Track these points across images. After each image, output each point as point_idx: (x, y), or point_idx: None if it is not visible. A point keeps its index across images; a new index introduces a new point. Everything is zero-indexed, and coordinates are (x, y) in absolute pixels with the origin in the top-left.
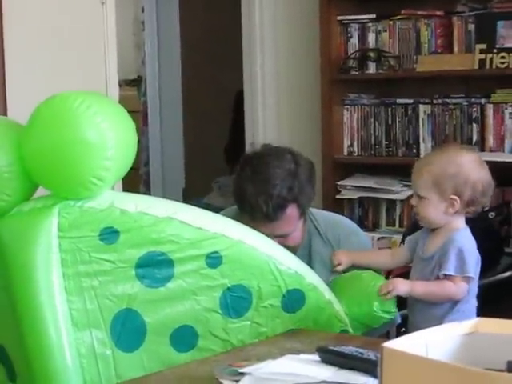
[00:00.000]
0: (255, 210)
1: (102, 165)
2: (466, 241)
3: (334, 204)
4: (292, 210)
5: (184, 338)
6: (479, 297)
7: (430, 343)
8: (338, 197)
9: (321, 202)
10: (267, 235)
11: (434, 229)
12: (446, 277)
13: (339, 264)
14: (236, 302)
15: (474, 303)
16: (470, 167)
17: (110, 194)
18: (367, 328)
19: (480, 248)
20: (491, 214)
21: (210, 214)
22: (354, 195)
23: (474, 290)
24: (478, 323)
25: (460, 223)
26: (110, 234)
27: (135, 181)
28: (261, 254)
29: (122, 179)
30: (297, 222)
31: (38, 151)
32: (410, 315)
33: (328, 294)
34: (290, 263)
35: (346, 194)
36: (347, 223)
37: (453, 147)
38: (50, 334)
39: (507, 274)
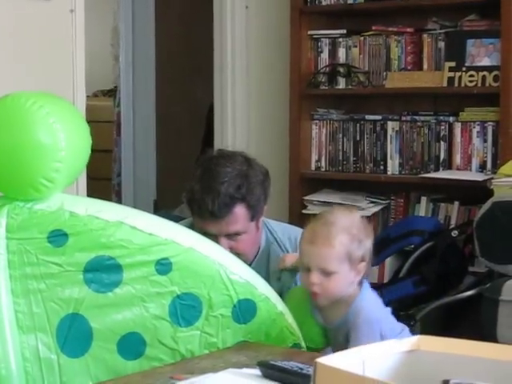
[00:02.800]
0: (202, 208)
1: (52, 166)
2: (372, 308)
3: (300, 219)
4: (240, 210)
5: (131, 345)
6: (442, 315)
7: (368, 360)
8: (304, 211)
9: (287, 217)
10: (216, 236)
11: None
12: None
13: (283, 262)
14: (185, 310)
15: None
16: (367, 229)
17: (60, 196)
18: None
19: (443, 266)
20: (454, 233)
21: (161, 221)
22: (321, 210)
23: None
24: (419, 341)
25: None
26: (58, 237)
27: (107, 191)
28: (212, 262)
29: (95, 189)
30: (247, 223)
31: None
32: None
33: (280, 306)
34: (242, 272)
35: (312, 209)
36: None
37: (341, 212)
38: None
39: (469, 292)
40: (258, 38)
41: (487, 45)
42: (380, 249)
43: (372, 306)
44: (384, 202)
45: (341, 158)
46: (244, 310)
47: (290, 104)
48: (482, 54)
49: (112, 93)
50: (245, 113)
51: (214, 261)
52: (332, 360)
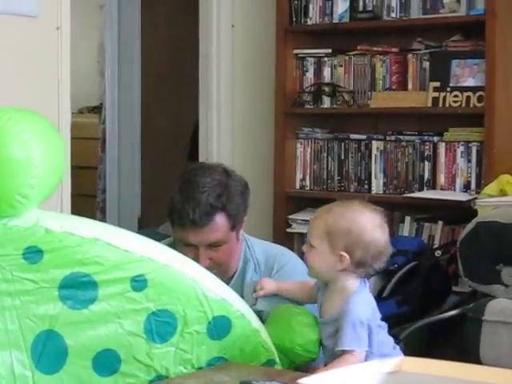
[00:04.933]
0: (183, 217)
1: (27, 183)
2: (360, 310)
3: (285, 237)
4: (220, 219)
5: (106, 361)
6: (426, 335)
7: (349, 381)
8: (288, 230)
9: (271, 235)
10: (197, 247)
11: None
12: (344, 352)
13: (261, 289)
14: (160, 326)
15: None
16: (366, 228)
17: (36, 212)
18: (291, 362)
19: (426, 286)
20: (438, 253)
21: (137, 237)
22: (305, 229)
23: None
24: (401, 362)
25: (354, 284)
26: (33, 254)
27: (92, 208)
28: (187, 279)
29: (79, 206)
30: (227, 232)
31: None
32: None
33: (255, 323)
34: (218, 290)
35: (296, 228)
36: (285, 254)
37: (357, 203)
38: None
39: (453, 312)
40: (244, 56)
41: (472, 65)
42: None
43: (359, 310)
44: None
45: (325, 176)
46: (219, 327)
47: (275, 123)
48: (467, 74)
49: (98, 109)
50: (229, 131)
51: (190, 278)
52: (314, 380)
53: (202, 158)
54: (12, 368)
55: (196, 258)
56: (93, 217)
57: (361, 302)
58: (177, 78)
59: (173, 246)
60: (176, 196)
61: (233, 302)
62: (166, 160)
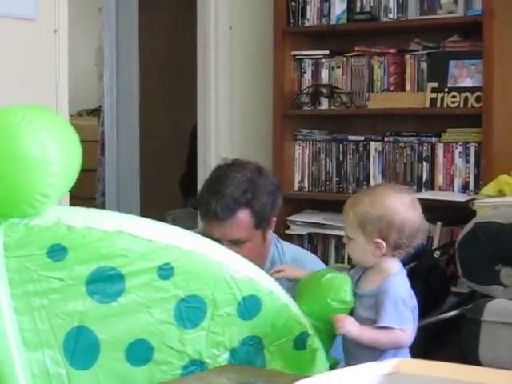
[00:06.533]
0: (206, 209)
1: (46, 181)
2: (400, 289)
3: (283, 239)
4: (244, 215)
5: (139, 351)
6: (425, 335)
7: (347, 382)
8: (287, 232)
9: None
10: (220, 241)
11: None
12: (385, 328)
13: (281, 270)
14: (190, 312)
15: (405, 352)
16: (396, 210)
17: (55, 209)
18: (328, 331)
19: (425, 287)
20: (436, 253)
21: (159, 225)
22: (304, 231)
23: None
24: (399, 363)
25: (393, 266)
26: (57, 252)
27: None
28: (214, 262)
29: None
30: (251, 230)
31: None
32: (345, 357)
33: (284, 297)
34: (244, 270)
35: (295, 230)
36: (314, 259)
37: (382, 188)
38: (0, 359)
39: (452, 313)
40: (242, 58)
41: (469, 66)
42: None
43: (400, 289)
44: None
45: (324, 178)
46: (249, 307)
47: (273, 125)
48: (465, 74)
49: (96, 112)
50: (228, 133)
51: (216, 261)
52: (312, 382)
53: (200, 161)
54: (46, 367)
55: None
56: None
57: (402, 282)
58: (175, 81)
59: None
60: (204, 188)
61: (260, 280)
62: (165, 162)
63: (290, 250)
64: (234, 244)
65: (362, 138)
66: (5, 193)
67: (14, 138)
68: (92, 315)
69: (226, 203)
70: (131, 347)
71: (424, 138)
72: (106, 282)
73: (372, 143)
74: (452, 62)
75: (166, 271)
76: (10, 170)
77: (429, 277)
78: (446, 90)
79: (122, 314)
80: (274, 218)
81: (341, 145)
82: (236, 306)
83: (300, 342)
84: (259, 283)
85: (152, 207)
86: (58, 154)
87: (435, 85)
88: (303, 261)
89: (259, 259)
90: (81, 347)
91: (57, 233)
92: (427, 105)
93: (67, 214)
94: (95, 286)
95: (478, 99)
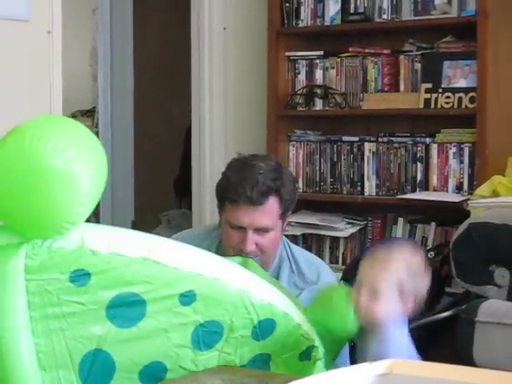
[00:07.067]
0: (239, 193)
1: (75, 211)
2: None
3: None
4: (274, 202)
5: (153, 373)
6: (419, 336)
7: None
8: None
9: None
10: (245, 230)
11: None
12: None
13: None
14: (207, 336)
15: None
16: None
17: (79, 230)
18: (337, 341)
19: None
20: (430, 254)
21: (186, 250)
22: (298, 232)
23: None
24: (392, 364)
25: None
26: (80, 277)
27: None
28: (235, 289)
29: None
30: (276, 219)
31: (3, 197)
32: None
33: (297, 317)
34: (263, 294)
35: (289, 231)
36: (327, 269)
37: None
38: (14, 380)
39: (446, 313)
40: (236, 59)
41: (463, 66)
42: (356, 270)
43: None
44: (361, 223)
45: (318, 179)
46: (263, 329)
47: (268, 125)
48: (459, 75)
49: (91, 113)
50: (222, 134)
51: (237, 288)
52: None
53: (194, 162)
54: None
55: (242, 243)
56: (87, 221)
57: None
58: (169, 82)
59: (190, 242)
60: (232, 174)
61: (277, 303)
62: (160, 163)
63: (302, 253)
64: (258, 233)
65: (357, 138)
66: (31, 219)
67: (45, 168)
68: (110, 339)
69: (260, 189)
70: (146, 369)
71: (418, 139)
72: (127, 307)
73: (366, 144)
74: (446, 63)
75: (188, 298)
76: (36, 196)
77: None
78: (440, 90)
79: (140, 338)
80: (290, 212)
81: (335, 145)
82: (251, 329)
83: (305, 355)
84: (276, 306)
85: (146, 208)
86: (88, 184)
87: (429, 85)
88: (318, 268)
89: (274, 252)
90: (96, 369)
91: (81, 257)
92: (421, 105)
93: (92, 235)
94: (116, 310)
95: (471, 100)
